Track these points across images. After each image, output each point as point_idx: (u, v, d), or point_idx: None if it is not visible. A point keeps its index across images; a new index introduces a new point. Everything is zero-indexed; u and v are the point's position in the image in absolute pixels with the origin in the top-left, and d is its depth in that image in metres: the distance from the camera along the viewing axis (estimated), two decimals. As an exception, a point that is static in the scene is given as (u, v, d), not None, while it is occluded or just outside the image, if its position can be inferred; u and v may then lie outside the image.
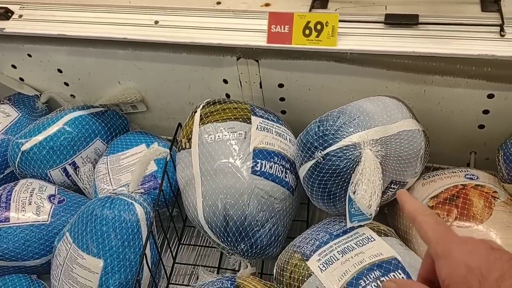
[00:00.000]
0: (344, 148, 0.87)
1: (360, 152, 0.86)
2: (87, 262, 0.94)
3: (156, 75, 1.22)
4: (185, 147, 1.04)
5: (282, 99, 1.18)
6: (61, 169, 1.21)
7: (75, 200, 1.17)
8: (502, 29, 0.90)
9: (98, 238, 0.95)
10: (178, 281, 1.11)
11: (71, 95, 1.38)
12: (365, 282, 0.82)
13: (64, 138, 1.21)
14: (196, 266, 1.13)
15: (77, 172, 1.22)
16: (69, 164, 1.22)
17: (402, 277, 0.83)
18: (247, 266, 1.00)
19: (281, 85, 1.14)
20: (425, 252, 0.56)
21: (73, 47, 1.22)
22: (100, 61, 1.24)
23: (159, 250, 1.03)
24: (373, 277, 0.83)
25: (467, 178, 1.00)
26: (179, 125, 1.15)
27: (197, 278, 1.06)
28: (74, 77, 1.32)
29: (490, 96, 1.02)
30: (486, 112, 1.06)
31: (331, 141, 0.88)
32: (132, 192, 1.02)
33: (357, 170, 0.84)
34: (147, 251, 0.96)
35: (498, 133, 1.06)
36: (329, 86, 1.11)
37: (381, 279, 0.82)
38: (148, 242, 0.95)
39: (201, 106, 1.08)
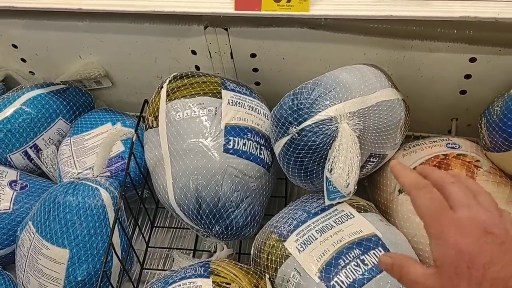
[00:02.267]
0: (320, 122, 0.81)
1: (337, 126, 0.81)
2: (52, 252, 0.89)
3: (119, 48, 1.14)
4: (152, 125, 0.98)
5: (255, 69, 1.12)
6: (22, 152, 1.14)
7: (39, 185, 1.10)
8: (485, -11, 0.85)
9: (62, 227, 0.89)
10: (153, 265, 1.07)
11: (30, 71, 1.29)
12: (344, 261, 0.79)
13: (22, 119, 1.13)
14: (171, 249, 1.08)
15: (40, 155, 1.15)
16: (31, 147, 1.14)
17: (383, 255, 0.80)
18: (223, 248, 0.96)
19: (253, 55, 1.08)
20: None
21: (27, 20, 1.13)
22: (58, 35, 1.15)
23: (130, 235, 0.98)
24: (353, 255, 0.80)
25: (449, 147, 0.97)
26: (145, 101, 1.08)
27: (173, 261, 1.02)
28: (31, 53, 1.23)
29: (472, 60, 0.98)
30: (468, 76, 1.02)
31: (306, 116, 0.83)
32: (97, 176, 0.96)
33: (334, 147, 0.79)
34: (116, 237, 0.91)
35: (480, 99, 1.02)
36: (304, 54, 1.05)
37: (361, 257, 0.79)
38: (116, 228, 0.90)
39: (167, 81, 1.01)
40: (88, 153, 1.08)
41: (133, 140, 0.99)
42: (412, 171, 0.51)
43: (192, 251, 1.07)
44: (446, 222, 0.47)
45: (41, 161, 1.14)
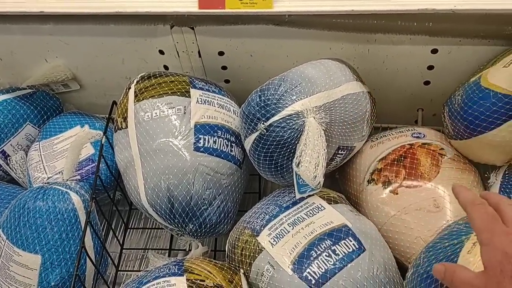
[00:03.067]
0: (287, 117, 0.83)
1: (304, 121, 0.82)
2: (24, 259, 0.88)
3: (86, 50, 1.13)
4: (121, 127, 0.97)
5: (224, 67, 1.12)
6: (-10, 159, 1.12)
7: (8, 192, 1.08)
8: (441, -18, 0.87)
9: (33, 233, 0.88)
10: (129, 267, 1.06)
11: (-5, 77, 1.26)
12: (316, 252, 0.81)
13: (-11, 125, 1.11)
14: (147, 250, 1.08)
15: (8, 161, 1.13)
16: (-2, 154, 1.12)
17: (353, 244, 0.82)
18: (198, 246, 0.96)
19: (221, 53, 1.08)
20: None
21: (-12, 24, 1.10)
22: (22, 38, 1.13)
23: (103, 237, 0.98)
24: (324, 246, 0.81)
25: (414, 137, 0.99)
26: (114, 103, 1.08)
27: (149, 262, 1.02)
28: (-4, 58, 1.20)
29: (434, 51, 1.00)
30: (430, 67, 1.04)
31: (273, 111, 0.84)
32: (67, 180, 0.95)
33: (301, 141, 0.81)
34: (88, 240, 0.90)
35: (443, 89, 1.05)
36: (271, 51, 1.06)
37: (332, 248, 0.81)
38: (88, 231, 0.89)
39: (135, 81, 1.00)
40: (57, 157, 1.06)
41: (102, 142, 0.98)
42: (471, 191, 0.58)
43: (167, 251, 1.07)
44: (497, 231, 0.52)
45: (9, 167, 1.12)
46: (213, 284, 0.78)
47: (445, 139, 1.00)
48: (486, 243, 0.53)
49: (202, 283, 0.78)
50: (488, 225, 0.53)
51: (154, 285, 0.78)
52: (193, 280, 0.78)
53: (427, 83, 1.08)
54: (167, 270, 0.81)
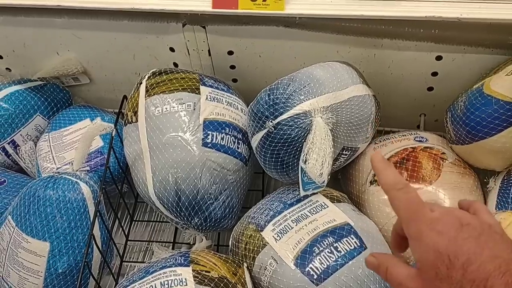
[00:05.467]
0: (295, 116, 0.85)
1: (311, 120, 0.84)
2: (33, 245, 0.90)
3: (98, 45, 1.15)
4: (132, 120, 1.00)
5: (232, 67, 1.14)
6: (0, 148, 1.13)
7: (17, 180, 1.10)
8: (449, -9, 0.90)
9: (42, 221, 0.90)
10: (132, 258, 1.08)
11: (7, 68, 1.28)
12: (319, 249, 0.83)
13: (0, 115, 1.12)
14: (151, 242, 1.10)
15: (18, 151, 1.15)
16: (8, 143, 1.14)
17: (355, 242, 0.84)
18: (202, 240, 0.98)
19: (230, 53, 1.10)
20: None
21: (4, 16, 1.12)
22: (35, 31, 1.15)
23: (110, 228, 1.00)
24: (326, 243, 0.83)
25: (417, 140, 1.02)
26: (124, 97, 1.10)
27: (153, 254, 1.04)
28: (8, 49, 1.22)
29: (438, 58, 1.03)
30: (434, 74, 1.07)
31: (281, 110, 0.86)
32: (76, 170, 0.97)
33: (308, 139, 0.83)
34: (96, 230, 0.92)
35: (446, 95, 1.07)
36: (280, 52, 1.08)
37: (335, 245, 0.83)
38: (97, 221, 0.91)
39: (146, 77, 1.02)
40: (67, 149, 1.08)
41: (112, 135, 1.00)
42: (391, 169, 0.51)
43: (171, 244, 1.09)
44: (423, 222, 0.47)
45: (19, 157, 1.14)
46: (218, 275, 0.80)
47: (446, 144, 1.02)
48: (415, 237, 0.47)
49: (207, 274, 0.80)
50: (414, 215, 0.47)
51: (160, 274, 0.80)
52: (199, 271, 0.80)
53: (430, 89, 1.11)
54: (174, 261, 0.83)
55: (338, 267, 0.80)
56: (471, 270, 0.43)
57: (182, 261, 0.83)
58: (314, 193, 0.92)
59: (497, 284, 0.42)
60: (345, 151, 0.95)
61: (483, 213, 0.49)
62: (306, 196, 0.92)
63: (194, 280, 0.78)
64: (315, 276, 0.79)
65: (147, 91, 1.00)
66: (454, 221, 0.46)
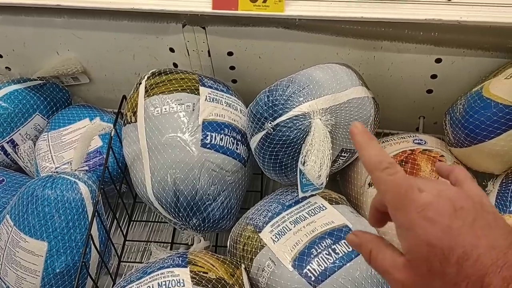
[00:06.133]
0: (294, 118, 0.85)
1: (310, 122, 0.84)
2: (31, 245, 0.90)
3: (97, 45, 1.15)
4: (131, 121, 1.00)
5: (232, 67, 1.15)
6: (-2, 147, 1.14)
7: (16, 180, 1.10)
8: (448, -7, 0.90)
9: (40, 220, 0.90)
10: (131, 259, 1.08)
11: (6, 67, 1.28)
12: (316, 250, 0.83)
13: (-1, 114, 1.13)
14: (149, 243, 1.10)
15: (17, 150, 1.15)
16: (7, 142, 1.14)
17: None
18: (200, 241, 0.98)
19: (230, 53, 1.11)
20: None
21: (4, 15, 1.12)
22: (35, 30, 1.15)
23: (108, 228, 0.99)
24: (324, 245, 0.83)
25: (415, 143, 1.02)
26: (124, 97, 1.10)
27: (151, 254, 1.04)
28: (8, 48, 1.22)
29: (438, 60, 1.03)
30: (434, 76, 1.07)
31: (281, 111, 0.86)
32: (75, 170, 0.97)
33: (307, 141, 0.83)
34: (94, 230, 0.92)
35: (445, 98, 1.07)
36: (279, 53, 1.08)
37: (333, 246, 0.83)
38: (95, 221, 0.91)
39: (146, 77, 1.02)
40: (65, 148, 1.08)
41: (111, 135, 1.00)
42: (374, 144, 0.44)
43: (169, 244, 1.09)
44: (413, 209, 0.41)
45: (17, 156, 1.14)
46: (216, 276, 0.80)
47: (445, 146, 1.02)
48: (404, 227, 0.41)
49: (205, 275, 0.80)
50: (403, 201, 0.41)
51: (158, 275, 0.80)
52: (197, 272, 0.80)
53: (430, 91, 1.11)
54: (171, 261, 0.83)
55: (336, 269, 0.80)
56: (467, 266, 0.39)
57: (180, 262, 0.83)
58: (312, 195, 0.92)
59: (495, 281, 0.38)
60: (344, 153, 0.95)
61: (469, 184, 0.45)
62: (304, 198, 0.92)
63: (192, 281, 0.78)
64: (313, 278, 0.79)
65: (146, 91, 1.00)
66: (447, 205, 0.41)
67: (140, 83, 1.02)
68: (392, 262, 0.43)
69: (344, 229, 0.86)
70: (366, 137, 0.44)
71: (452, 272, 0.39)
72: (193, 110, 0.97)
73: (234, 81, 1.18)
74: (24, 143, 1.16)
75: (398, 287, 0.42)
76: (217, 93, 1.02)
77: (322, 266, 0.81)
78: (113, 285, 0.97)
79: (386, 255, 0.43)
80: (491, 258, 0.39)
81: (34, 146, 1.15)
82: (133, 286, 0.80)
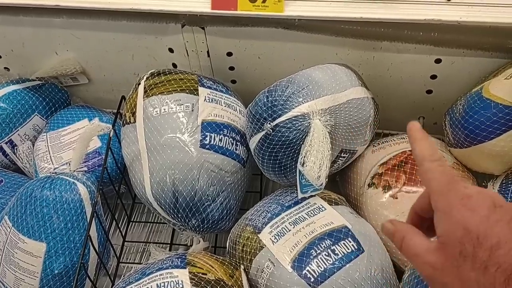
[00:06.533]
0: (293, 118, 0.85)
1: (309, 122, 0.84)
2: (29, 246, 0.89)
3: (96, 45, 1.15)
4: (130, 121, 0.99)
5: (231, 68, 1.14)
6: (-3, 148, 1.13)
7: (14, 180, 1.10)
8: (448, -6, 0.90)
9: (39, 221, 0.90)
10: (129, 259, 1.08)
11: (5, 67, 1.28)
12: (316, 251, 0.82)
13: (-2, 115, 1.13)
14: (148, 243, 1.10)
15: (15, 150, 1.14)
16: (6, 143, 1.14)
17: (352, 245, 0.84)
18: (199, 241, 0.98)
19: (229, 54, 1.10)
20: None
21: (2, 16, 1.12)
22: (34, 31, 1.15)
23: (107, 229, 0.99)
24: (324, 246, 0.83)
25: (415, 144, 1.01)
26: (123, 97, 1.10)
27: (150, 255, 1.03)
28: (6, 48, 1.22)
29: (438, 61, 1.03)
30: (433, 77, 1.07)
31: (280, 112, 0.86)
32: (74, 170, 0.97)
33: (306, 141, 0.83)
34: (93, 231, 0.92)
35: (445, 98, 1.07)
36: (279, 54, 1.08)
37: (332, 247, 0.83)
38: (94, 222, 0.91)
39: (144, 77, 1.02)
40: (64, 149, 1.08)
41: (110, 136, 1.00)
42: (428, 141, 0.48)
43: (168, 245, 1.09)
44: (455, 196, 0.44)
45: (16, 156, 1.14)
46: (215, 277, 0.80)
47: (445, 147, 1.02)
48: (443, 211, 0.44)
49: (204, 276, 0.80)
50: (445, 188, 0.45)
51: (157, 276, 0.80)
52: (195, 273, 0.80)
53: (429, 91, 1.10)
54: (170, 262, 0.83)
55: (335, 270, 0.80)
56: (499, 254, 0.40)
57: (179, 263, 0.82)
58: (312, 196, 0.91)
59: None
60: (343, 154, 0.94)
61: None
62: (304, 199, 0.91)
63: (191, 282, 0.78)
64: (312, 279, 0.79)
65: (145, 91, 0.99)
66: (487, 200, 0.43)
67: (139, 84, 1.02)
68: (426, 246, 0.45)
69: (343, 229, 0.86)
70: (421, 133, 0.49)
71: (484, 256, 0.41)
72: (192, 110, 0.96)
73: (233, 82, 1.18)
74: (23, 143, 1.15)
75: (428, 270, 0.44)
76: (216, 94, 1.02)
77: (321, 267, 0.80)
78: (111, 286, 0.97)
79: (420, 239, 0.46)
80: None
81: (33, 146, 1.15)
82: (132, 287, 0.80)
